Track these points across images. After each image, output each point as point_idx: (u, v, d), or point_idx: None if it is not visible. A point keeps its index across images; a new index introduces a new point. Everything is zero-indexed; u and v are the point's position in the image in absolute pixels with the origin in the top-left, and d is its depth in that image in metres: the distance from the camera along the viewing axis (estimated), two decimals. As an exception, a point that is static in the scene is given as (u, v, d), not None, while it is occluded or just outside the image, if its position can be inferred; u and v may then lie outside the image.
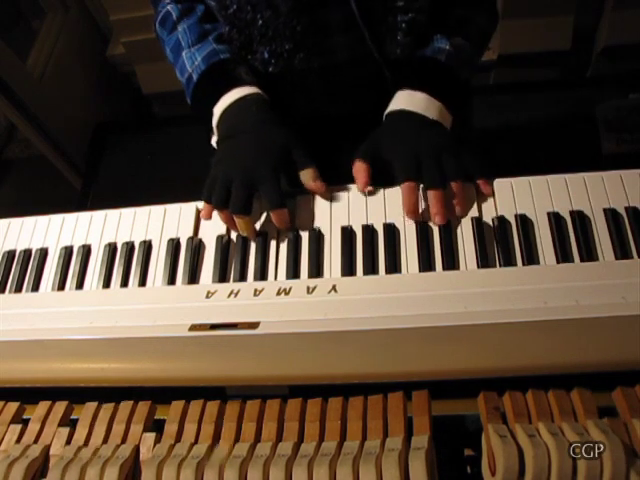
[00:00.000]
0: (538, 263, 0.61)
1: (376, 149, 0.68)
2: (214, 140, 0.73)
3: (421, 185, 0.65)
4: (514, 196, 0.66)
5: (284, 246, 0.66)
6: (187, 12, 0.75)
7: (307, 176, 0.68)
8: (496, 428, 0.42)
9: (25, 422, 0.50)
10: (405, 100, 0.69)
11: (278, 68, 0.74)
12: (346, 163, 0.70)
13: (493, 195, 0.66)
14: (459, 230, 0.64)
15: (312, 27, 0.70)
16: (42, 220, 0.75)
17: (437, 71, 0.71)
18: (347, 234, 0.65)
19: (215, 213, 0.68)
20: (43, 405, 0.51)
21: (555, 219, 0.63)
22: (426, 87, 0.69)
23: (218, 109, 0.70)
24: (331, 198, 0.69)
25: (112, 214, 0.73)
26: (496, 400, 0.45)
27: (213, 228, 0.70)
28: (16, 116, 1.64)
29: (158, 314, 0.59)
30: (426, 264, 0.62)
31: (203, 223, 0.70)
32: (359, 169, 0.68)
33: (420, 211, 0.65)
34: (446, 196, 0.64)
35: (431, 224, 0.65)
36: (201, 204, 0.70)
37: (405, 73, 0.73)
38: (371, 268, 0.63)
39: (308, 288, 0.59)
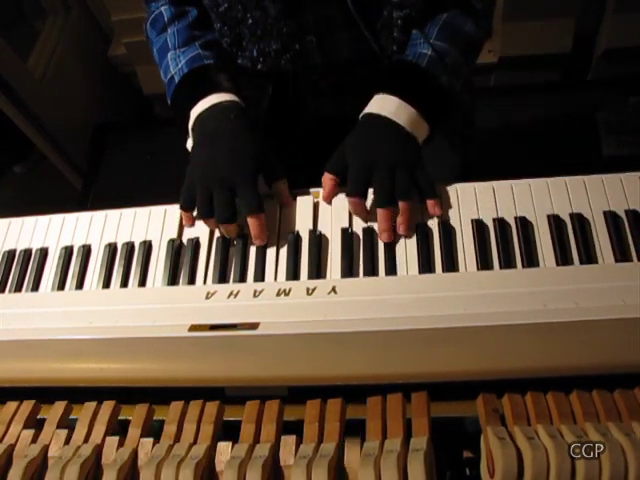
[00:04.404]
0: (538, 265, 0.61)
1: (341, 159, 0.67)
2: (189, 144, 0.73)
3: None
4: (514, 198, 0.66)
5: (284, 247, 0.66)
6: (179, 16, 0.76)
7: (279, 187, 0.69)
8: (495, 430, 0.42)
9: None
10: (376, 104, 0.68)
11: (266, 67, 0.74)
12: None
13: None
14: (459, 232, 0.64)
15: (304, 29, 0.71)
16: (42, 220, 0.75)
17: (414, 76, 0.70)
18: (347, 235, 0.65)
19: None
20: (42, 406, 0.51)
21: (555, 221, 0.63)
22: (399, 91, 0.68)
23: (194, 112, 0.70)
24: (331, 200, 0.69)
25: (112, 214, 0.73)
26: (495, 402, 0.45)
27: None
28: (17, 116, 1.64)
29: (158, 314, 0.59)
30: (426, 266, 0.62)
31: (202, 224, 0.70)
32: (324, 180, 0.68)
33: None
34: (395, 213, 0.64)
35: (431, 226, 0.65)
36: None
37: (383, 77, 0.72)
38: (371, 270, 0.63)
39: (308, 289, 0.59)
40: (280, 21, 0.69)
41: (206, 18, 0.76)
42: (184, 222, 0.70)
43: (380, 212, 0.64)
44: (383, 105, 0.68)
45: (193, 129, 0.71)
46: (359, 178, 0.65)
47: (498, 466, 0.40)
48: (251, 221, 0.65)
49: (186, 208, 0.68)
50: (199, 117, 0.70)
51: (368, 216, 0.66)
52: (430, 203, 0.65)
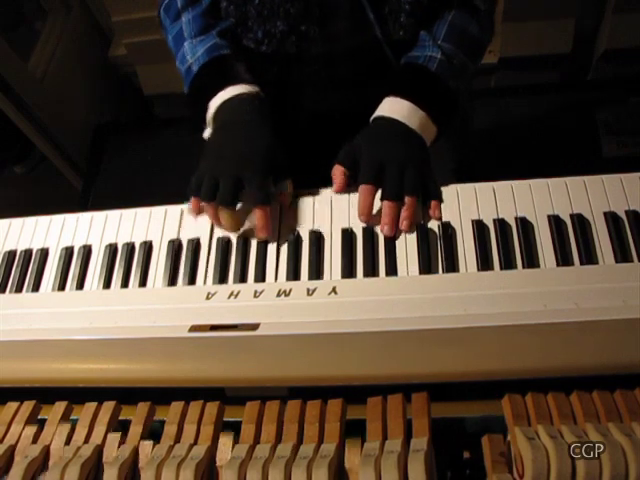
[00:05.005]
0: (538, 266, 0.61)
1: (353, 154, 0.68)
2: (206, 133, 0.74)
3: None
4: (514, 199, 0.66)
5: (284, 247, 0.66)
6: (193, 2, 0.76)
7: (283, 187, 0.69)
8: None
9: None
10: (388, 107, 0.70)
11: (270, 49, 0.74)
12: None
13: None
14: (459, 232, 0.64)
15: (310, 11, 0.71)
16: (43, 220, 0.75)
17: (425, 80, 0.71)
18: (347, 236, 0.65)
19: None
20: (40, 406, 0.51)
21: (555, 222, 0.63)
22: (411, 95, 0.69)
23: (214, 104, 0.71)
24: (332, 200, 0.69)
25: (113, 215, 0.73)
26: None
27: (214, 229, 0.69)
28: (17, 116, 1.64)
29: (158, 315, 0.59)
30: (426, 266, 0.62)
31: (203, 224, 0.70)
32: (335, 172, 0.69)
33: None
34: (399, 209, 0.65)
35: (431, 226, 0.65)
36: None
37: (394, 80, 0.73)
38: (371, 270, 0.63)
39: (308, 290, 0.59)
40: (287, 1, 0.69)
41: (219, 4, 0.75)
42: (189, 210, 0.70)
43: (386, 204, 0.64)
44: (395, 108, 0.69)
45: (212, 120, 0.72)
46: (372, 169, 0.66)
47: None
48: (258, 212, 0.65)
49: (192, 193, 0.68)
50: (219, 109, 0.70)
51: (372, 213, 0.66)
52: (433, 204, 0.66)
